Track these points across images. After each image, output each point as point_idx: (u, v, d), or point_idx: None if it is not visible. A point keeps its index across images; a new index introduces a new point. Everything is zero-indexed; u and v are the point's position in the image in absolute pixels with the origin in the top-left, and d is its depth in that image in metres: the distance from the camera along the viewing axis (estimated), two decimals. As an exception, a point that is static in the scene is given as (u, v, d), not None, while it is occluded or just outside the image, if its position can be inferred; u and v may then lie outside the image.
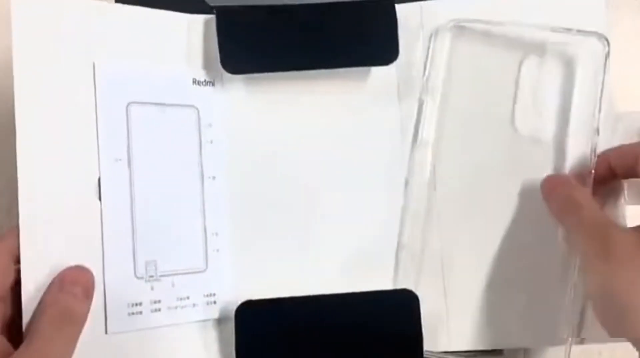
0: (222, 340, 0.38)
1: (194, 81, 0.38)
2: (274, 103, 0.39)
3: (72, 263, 0.34)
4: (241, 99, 0.39)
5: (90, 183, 0.35)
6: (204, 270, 0.38)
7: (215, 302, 0.38)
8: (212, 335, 0.38)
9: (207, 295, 0.38)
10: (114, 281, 0.35)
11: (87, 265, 0.35)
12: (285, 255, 0.38)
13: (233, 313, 0.37)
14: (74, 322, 0.33)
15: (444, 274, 0.38)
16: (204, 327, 0.38)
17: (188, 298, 0.37)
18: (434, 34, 0.38)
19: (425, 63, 0.38)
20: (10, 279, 0.34)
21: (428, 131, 0.38)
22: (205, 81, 0.38)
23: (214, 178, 0.38)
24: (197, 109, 0.38)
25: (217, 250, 0.38)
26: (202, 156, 0.38)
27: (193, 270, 0.37)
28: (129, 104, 0.36)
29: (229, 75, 0.37)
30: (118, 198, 0.36)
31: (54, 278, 0.34)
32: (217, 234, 0.38)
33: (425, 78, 0.38)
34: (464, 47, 0.38)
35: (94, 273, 0.35)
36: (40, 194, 0.34)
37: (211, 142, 0.38)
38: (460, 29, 0.38)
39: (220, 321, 0.38)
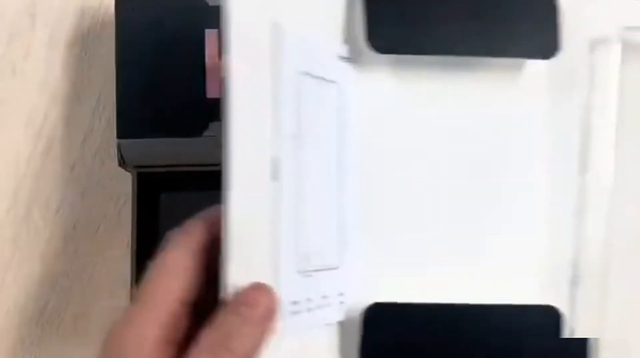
0: (345, 342, 0.34)
1: (339, 57, 0.34)
2: (417, 90, 0.36)
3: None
4: (382, 81, 0.35)
5: (264, 160, 0.30)
6: (337, 267, 0.34)
7: (343, 302, 0.34)
8: (336, 337, 0.34)
9: (339, 295, 0.34)
10: (284, 276, 0.30)
11: (262, 254, 0.29)
12: (419, 258, 0.36)
13: (359, 314, 0.34)
14: (234, 350, 0.27)
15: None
16: (331, 329, 0.34)
17: (327, 297, 0.33)
18: (601, 41, 0.36)
19: (591, 75, 0.36)
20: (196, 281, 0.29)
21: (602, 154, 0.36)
22: (346, 57, 0.35)
23: (348, 166, 0.35)
24: (340, 87, 0.34)
25: (348, 246, 0.35)
26: (338, 141, 0.34)
27: (329, 267, 0.34)
28: (298, 74, 0.32)
29: (371, 55, 0.34)
30: (291, 180, 0.31)
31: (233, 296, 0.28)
32: (348, 228, 0.35)
33: (587, 92, 0.36)
34: (634, 56, 0.36)
35: (266, 265, 0.30)
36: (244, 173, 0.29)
37: (348, 126, 0.35)
38: (629, 34, 0.36)
39: (345, 323, 0.34)
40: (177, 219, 0.44)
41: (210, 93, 0.44)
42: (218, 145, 0.28)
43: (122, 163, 0.44)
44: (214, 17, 0.45)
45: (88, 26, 0.53)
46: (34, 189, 0.51)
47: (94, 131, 0.52)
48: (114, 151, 0.51)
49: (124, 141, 0.44)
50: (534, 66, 0.36)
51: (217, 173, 0.44)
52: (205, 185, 0.45)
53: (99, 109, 0.52)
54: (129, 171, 0.46)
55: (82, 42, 0.53)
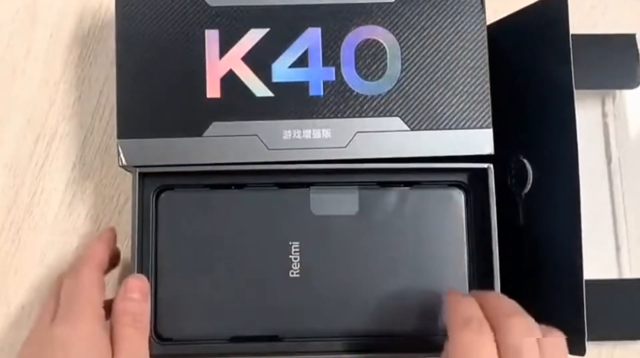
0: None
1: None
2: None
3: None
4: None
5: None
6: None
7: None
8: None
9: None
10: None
11: None
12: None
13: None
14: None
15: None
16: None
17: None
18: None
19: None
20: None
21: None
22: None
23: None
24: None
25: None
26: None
27: None
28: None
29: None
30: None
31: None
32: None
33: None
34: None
35: None
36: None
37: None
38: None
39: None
40: (178, 219, 0.45)
41: (210, 93, 0.44)
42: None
43: (122, 163, 0.44)
44: (214, 17, 0.45)
45: (88, 26, 0.53)
46: (34, 189, 0.51)
47: (94, 131, 0.52)
48: (114, 151, 0.51)
49: (124, 141, 0.44)
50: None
51: (217, 173, 0.44)
52: (205, 185, 0.45)
53: (99, 109, 0.52)
54: (129, 171, 0.46)
55: (82, 42, 0.53)
